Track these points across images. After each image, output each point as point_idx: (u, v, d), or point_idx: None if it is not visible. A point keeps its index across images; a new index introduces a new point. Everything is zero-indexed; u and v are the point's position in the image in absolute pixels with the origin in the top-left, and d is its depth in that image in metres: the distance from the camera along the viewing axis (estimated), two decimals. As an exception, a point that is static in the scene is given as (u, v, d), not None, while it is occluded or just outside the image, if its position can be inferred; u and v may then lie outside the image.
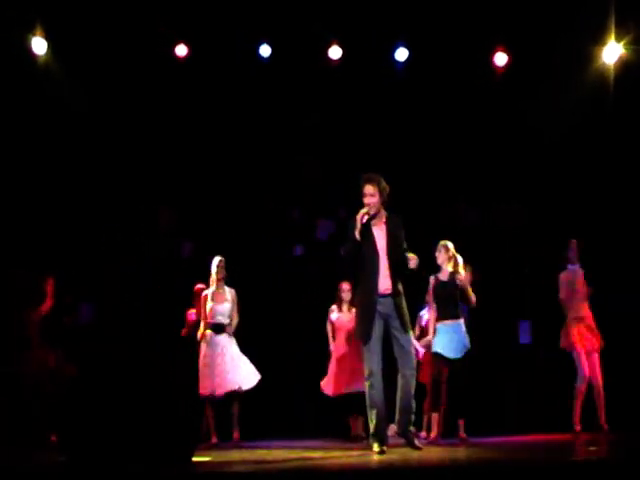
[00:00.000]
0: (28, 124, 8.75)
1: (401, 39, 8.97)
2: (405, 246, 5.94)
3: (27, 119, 8.73)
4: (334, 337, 7.88)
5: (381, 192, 5.83)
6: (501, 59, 8.97)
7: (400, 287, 5.86)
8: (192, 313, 8.18)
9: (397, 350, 5.84)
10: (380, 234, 5.85)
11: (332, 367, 7.79)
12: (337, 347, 7.86)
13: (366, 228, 5.80)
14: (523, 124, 8.98)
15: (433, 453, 5.79)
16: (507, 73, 9.00)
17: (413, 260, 5.79)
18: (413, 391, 5.90)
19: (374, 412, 5.79)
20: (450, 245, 7.21)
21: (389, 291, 5.79)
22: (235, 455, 6.06)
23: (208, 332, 7.37)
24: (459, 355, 7.05)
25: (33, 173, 8.90)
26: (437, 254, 7.20)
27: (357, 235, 5.72)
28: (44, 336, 7.97)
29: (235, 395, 7.25)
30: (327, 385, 7.77)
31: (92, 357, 7.90)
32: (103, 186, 9.15)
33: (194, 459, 5.23)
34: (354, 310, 7.82)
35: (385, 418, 5.88)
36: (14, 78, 8.52)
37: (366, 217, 5.78)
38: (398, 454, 5.64)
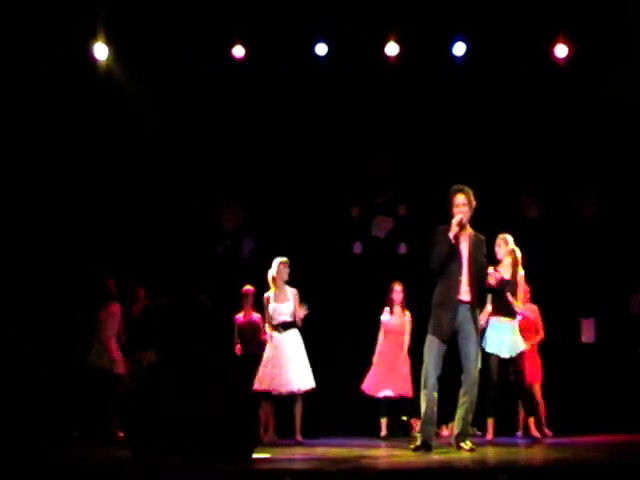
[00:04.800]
0: (92, 128, 8.97)
1: (459, 33, 8.86)
2: (485, 264, 6.10)
3: (90, 123, 8.95)
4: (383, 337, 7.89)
5: (470, 204, 5.94)
6: (562, 51, 8.79)
7: (477, 299, 5.98)
8: (240, 317, 8.28)
9: (462, 358, 5.92)
10: (464, 245, 5.95)
11: (372, 367, 7.81)
12: (382, 349, 7.85)
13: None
14: (589, 112, 8.79)
15: (491, 454, 5.80)
16: (569, 63, 8.80)
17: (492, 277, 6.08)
18: (473, 403, 5.92)
19: (422, 412, 5.90)
20: (510, 238, 7.11)
21: (467, 300, 5.90)
22: (294, 452, 6.11)
23: (273, 333, 7.38)
24: (513, 354, 6.97)
25: (101, 176, 9.11)
26: (497, 248, 7.12)
27: (452, 238, 5.82)
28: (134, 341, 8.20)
29: (297, 396, 7.27)
30: (366, 385, 7.79)
31: (159, 353, 8.12)
32: (168, 185, 9.31)
33: (254, 456, 5.30)
34: (407, 313, 7.86)
35: (434, 421, 5.92)
36: (76, 84, 8.74)
37: (463, 219, 5.85)
38: (451, 454, 5.65)
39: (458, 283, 5.84)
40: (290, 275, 7.49)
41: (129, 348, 8.16)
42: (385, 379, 7.81)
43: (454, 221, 5.83)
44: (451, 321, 5.82)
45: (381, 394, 7.81)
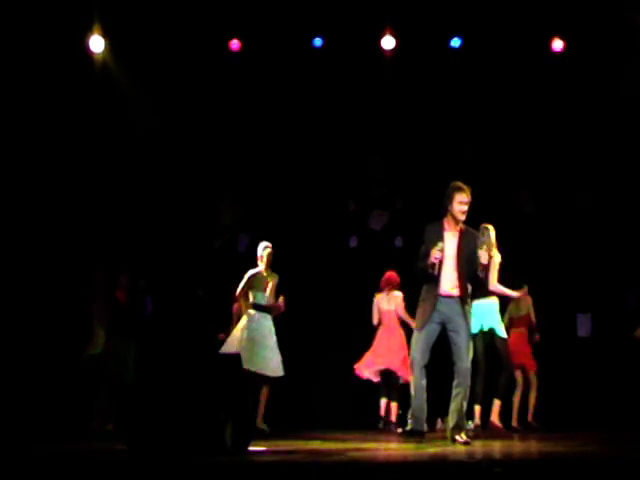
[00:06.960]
0: (88, 120, 8.94)
1: (455, 27, 8.84)
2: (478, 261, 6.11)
3: (86, 116, 8.92)
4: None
5: (470, 202, 5.96)
6: (557, 44, 8.77)
7: (466, 293, 5.99)
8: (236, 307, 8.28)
9: (454, 350, 5.97)
10: (452, 240, 5.96)
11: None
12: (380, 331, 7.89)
13: (438, 232, 5.91)
14: (584, 108, 8.77)
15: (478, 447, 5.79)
16: (565, 57, 8.79)
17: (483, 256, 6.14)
18: (466, 393, 5.96)
19: (412, 400, 6.03)
20: (491, 228, 7.08)
21: (455, 294, 5.92)
22: (287, 445, 6.11)
23: (253, 311, 7.44)
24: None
25: (95, 169, 9.09)
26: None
27: (429, 269, 5.86)
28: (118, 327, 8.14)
29: (264, 384, 7.28)
30: (361, 366, 7.79)
31: (151, 347, 8.10)
32: (165, 180, 9.29)
33: (249, 448, 5.29)
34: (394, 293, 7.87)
35: (423, 409, 5.99)
36: (72, 76, 8.72)
37: (439, 255, 5.83)
38: (446, 448, 5.65)
39: (439, 278, 5.87)
40: (286, 269, 7.52)
41: (113, 335, 8.08)
42: (382, 355, 7.83)
43: (432, 252, 5.81)
44: (430, 311, 5.88)
45: (379, 366, 7.82)
